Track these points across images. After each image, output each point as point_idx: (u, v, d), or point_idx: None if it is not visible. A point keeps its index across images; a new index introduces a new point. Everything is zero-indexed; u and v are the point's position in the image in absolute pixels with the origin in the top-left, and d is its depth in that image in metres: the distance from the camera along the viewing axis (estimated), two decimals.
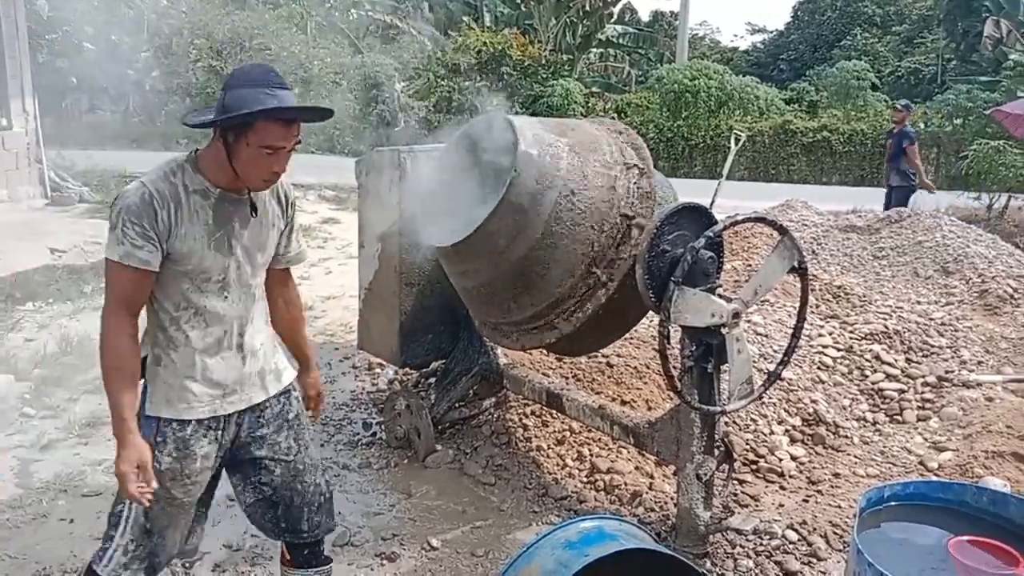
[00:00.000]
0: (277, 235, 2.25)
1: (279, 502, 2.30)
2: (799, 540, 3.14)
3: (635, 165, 3.12)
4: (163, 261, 2.01)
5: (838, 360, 4.65)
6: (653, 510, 3.41)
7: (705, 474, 2.92)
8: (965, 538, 2.22)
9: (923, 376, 4.54)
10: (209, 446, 2.13)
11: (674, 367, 2.81)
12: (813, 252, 6.98)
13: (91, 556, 2.17)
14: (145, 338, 2.12)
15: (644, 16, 36.72)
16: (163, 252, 2.00)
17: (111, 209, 2.01)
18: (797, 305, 3.05)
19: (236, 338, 2.17)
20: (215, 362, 2.12)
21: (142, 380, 2.09)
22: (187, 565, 2.97)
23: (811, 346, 4.73)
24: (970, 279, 6.05)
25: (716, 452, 2.99)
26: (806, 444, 3.98)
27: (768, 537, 3.14)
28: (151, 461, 2.01)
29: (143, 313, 2.10)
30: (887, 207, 9.88)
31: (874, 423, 4.26)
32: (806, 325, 4.30)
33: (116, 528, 2.12)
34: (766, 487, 3.62)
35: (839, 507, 3.40)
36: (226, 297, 2.12)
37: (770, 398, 4.08)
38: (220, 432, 2.15)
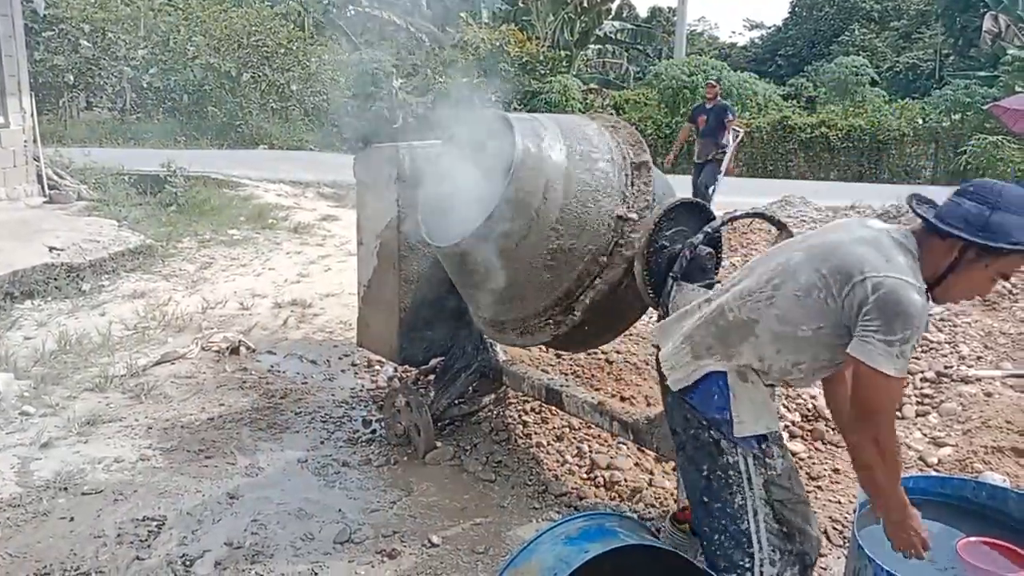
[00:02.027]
0: None
1: None
2: None
3: (633, 162, 3.12)
4: None
5: None
6: (653, 506, 3.41)
7: None
8: (974, 539, 2.23)
9: (922, 372, 4.54)
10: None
11: None
12: None
13: None
14: (724, 352, 2.19)
15: (642, 12, 36.79)
16: None
17: (898, 320, 1.87)
18: None
19: None
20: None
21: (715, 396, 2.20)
22: (187, 564, 2.97)
23: None
24: None
25: None
26: (805, 440, 3.98)
27: None
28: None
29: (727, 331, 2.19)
30: (696, 181, 10.03)
31: None
32: None
33: (751, 545, 2.17)
34: None
35: (839, 503, 3.40)
36: None
37: None
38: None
